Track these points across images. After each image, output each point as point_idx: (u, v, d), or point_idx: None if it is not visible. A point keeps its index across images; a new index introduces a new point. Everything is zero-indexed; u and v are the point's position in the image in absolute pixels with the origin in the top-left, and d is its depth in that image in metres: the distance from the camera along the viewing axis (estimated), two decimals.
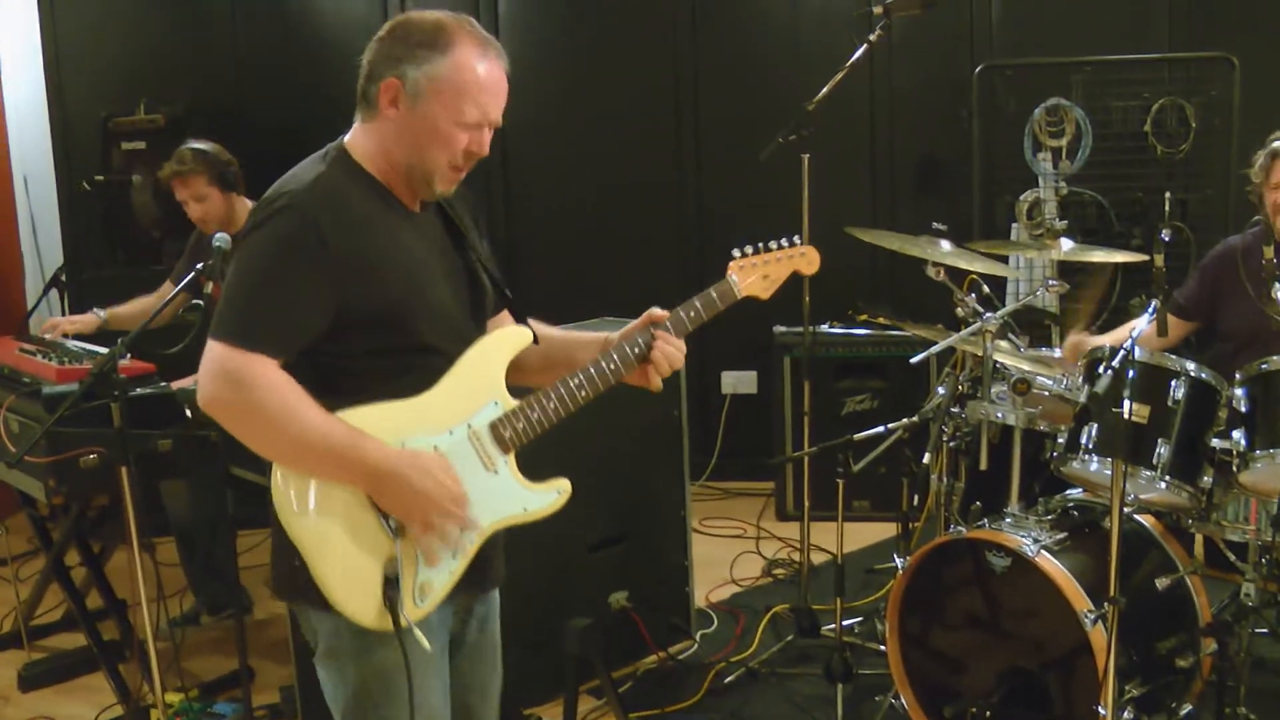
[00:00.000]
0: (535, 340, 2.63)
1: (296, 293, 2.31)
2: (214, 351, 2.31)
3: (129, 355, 4.06)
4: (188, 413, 4.22)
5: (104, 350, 4.26)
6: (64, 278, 5.85)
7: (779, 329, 6.28)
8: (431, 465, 2.38)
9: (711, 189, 6.97)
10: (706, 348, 6.83)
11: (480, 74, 2.43)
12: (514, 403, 2.52)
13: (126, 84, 6.81)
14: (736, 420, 6.98)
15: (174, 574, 5.06)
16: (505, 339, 2.58)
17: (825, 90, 4.82)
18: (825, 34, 6.58)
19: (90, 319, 5.03)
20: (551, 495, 2.60)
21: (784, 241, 2.84)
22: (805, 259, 2.88)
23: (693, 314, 2.70)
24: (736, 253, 2.78)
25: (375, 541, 2.37)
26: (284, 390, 2.30)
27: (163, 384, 4.29)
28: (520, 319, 2.67)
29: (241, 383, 2.28)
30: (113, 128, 6.67)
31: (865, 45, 4.94)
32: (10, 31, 7.01)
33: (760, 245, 2.80)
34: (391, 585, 2.35)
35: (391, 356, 2.41)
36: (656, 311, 2.69)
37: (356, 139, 2.49)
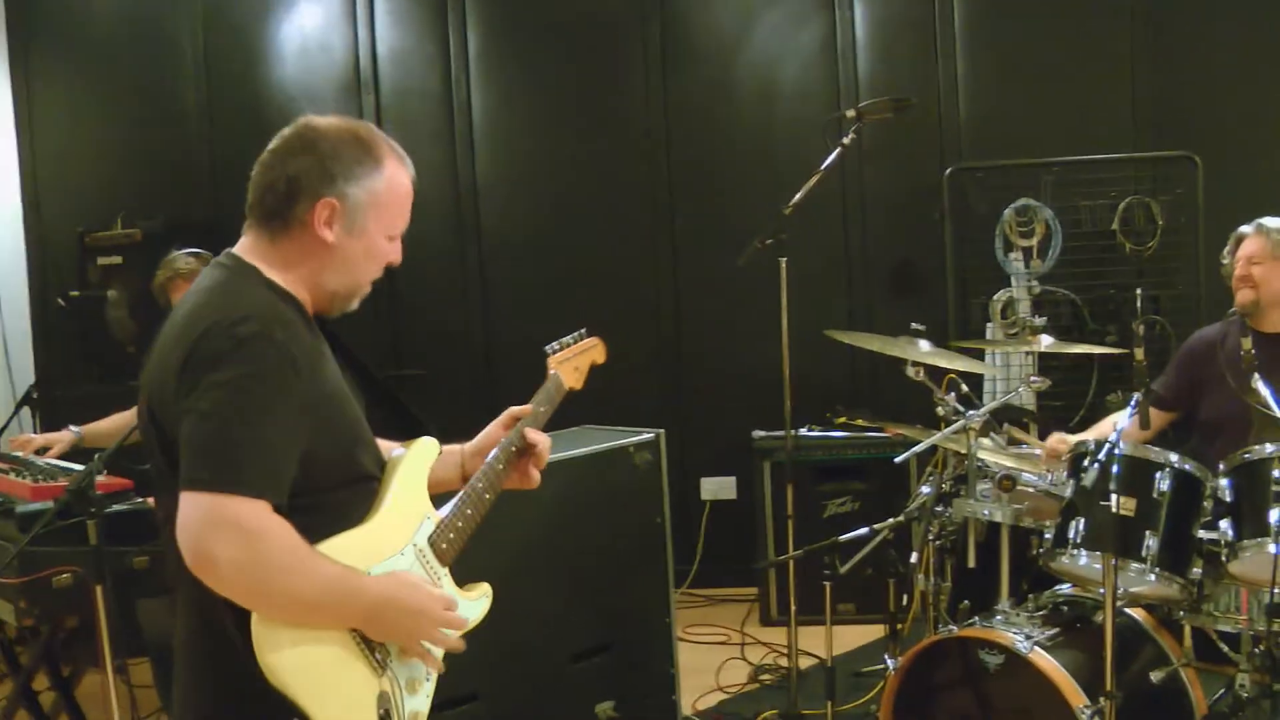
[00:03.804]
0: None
1: (281, 429, 2.15)
2: (201, 504, 2.08)
3: (105, 471, 4.02)
4: None
5: (78, 467, 4.21)
6: (35, 395, 5.80)
7: (758, 434, 6.26)
8: (412, 579, 2.34)
9: (688, 294, 7.00)
10: (685, 454, 6.81)
11: (407, 184, 2.42)
12: (440, 516, 2.51)
13: (103, 199, 6.84)
14: (717, 526, 6.93)
15: (148, 695, 4.94)
16: (422, 454, 2.55)
17: (800, 194, 4.87)
18: (798, 138, 6.65)
19: (66, 436, 4.95)
20: (483, 601, 2.59)
21: (579, 334, 3.00)
22: (597, 350, 3.05)
23: (543, 409, 2.79)
24: (548, 349, 2.91)
25: (365, 682, 2.28)
26: (289, 534, 2.13)
27: (139, 499, 4.23)
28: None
29: (245, 532, 2.07)
30: (89, 243, 6.67)
31: (839, 149, 4.99)
32: None
33: (561, 341, 2.95)
34: None
35: (345, 487, 2.34)
36: (518, 410, 2.74)
37: (264, 255, 2.33)
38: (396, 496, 2.42)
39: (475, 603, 2.56)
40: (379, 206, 2.35)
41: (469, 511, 2.54)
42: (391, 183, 2.37)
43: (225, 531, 2.06)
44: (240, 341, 2.13)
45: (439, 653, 2.39)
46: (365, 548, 2.30)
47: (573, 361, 2.96)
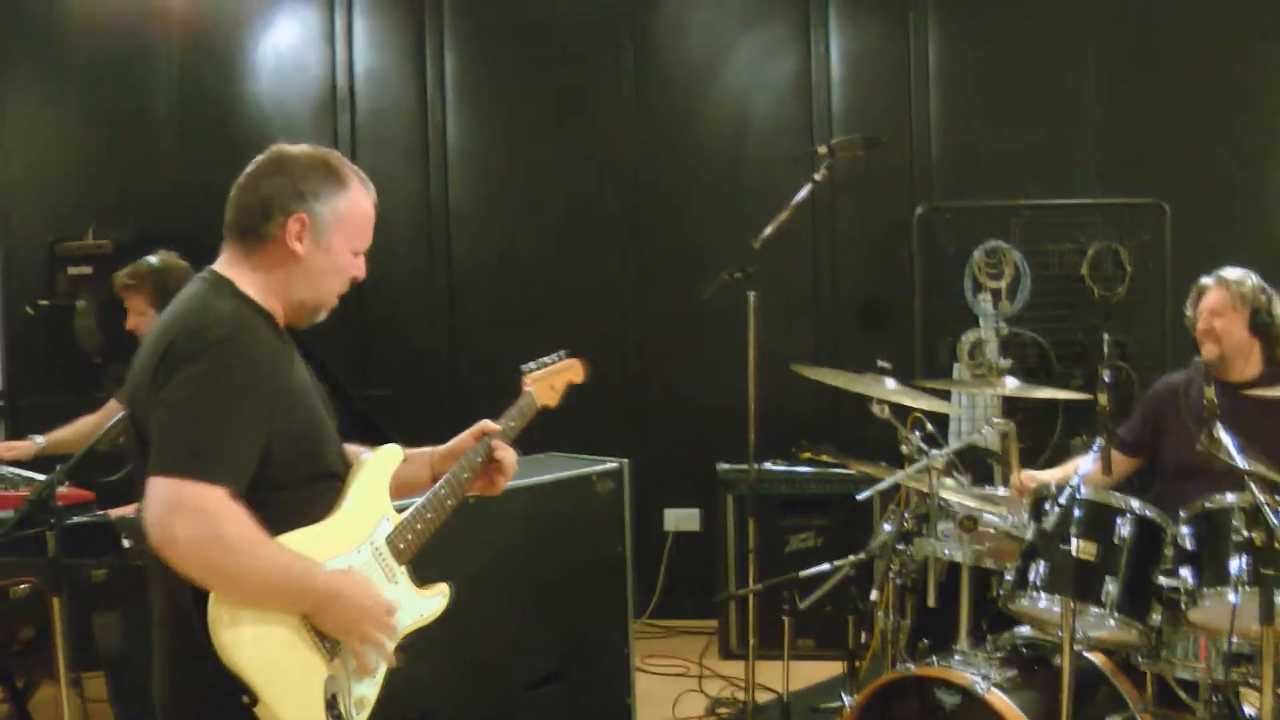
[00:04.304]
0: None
1: (242, 423, 2.34)
2: (165, 488, 2.26)
3: (67, 482, 3.98)
4: (125, 542, 4.13)
5: (41, 477, 4.18)
6: (1, 403, 5.76)
7: (722, 466, 6.26)
8: (363, 581, 2.50)
9: (656, 324, 7.01)
10: (649, 485, 6.80)
11: (369, 205, 2.63)
12: (401, 517, 2.67)
13: (75, 209, 6.79)
14: (679, 558, 6.93)
15: (102, 709, 4.90)
16: (386, 459, 2.71)
17: (771, 228, 4.89)
18: (768, 173, 6.67)
19: (28, 445, 4.92)
20: (438, 600, 2.75)
21: (558, 355, 3.17)
22: (574, 370, 3.18)
23: (513, 424, 2.96)
24: (524, 367, 3.09)
25: (314, 666, 2.42)
26: (245, 520, 2.29)
27: (100, 512, 4.20)
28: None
29: (209, 516, 2.25)
30: (60, 252, 6.62)
31: (810, 185, 5.02)
32: None
33: (540, 361, 3.12)
34: (334, 704, 2.42)
35: (306, 485, 2.51)
36: (490, 424, 2.91)
37: (239, 270, 2.53)
38: (357, 497, 2.59)
39: (432, 600, 2.73)
40: (344, 223, 2.56)
41: (429, 515, 2.70)
42: (355, 203, 2.59)
43: (186, 513, 2.24)
44: (208, 344, 2.34)
45: (374, 660, 2.53)
46: (323, 543, 2.47)
47: (548, 380, 3.10)
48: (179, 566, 2.27)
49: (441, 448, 2.91)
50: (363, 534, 2.57)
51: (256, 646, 2.31)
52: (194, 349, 2.34)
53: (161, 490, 2.26)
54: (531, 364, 3.10)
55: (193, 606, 2.30)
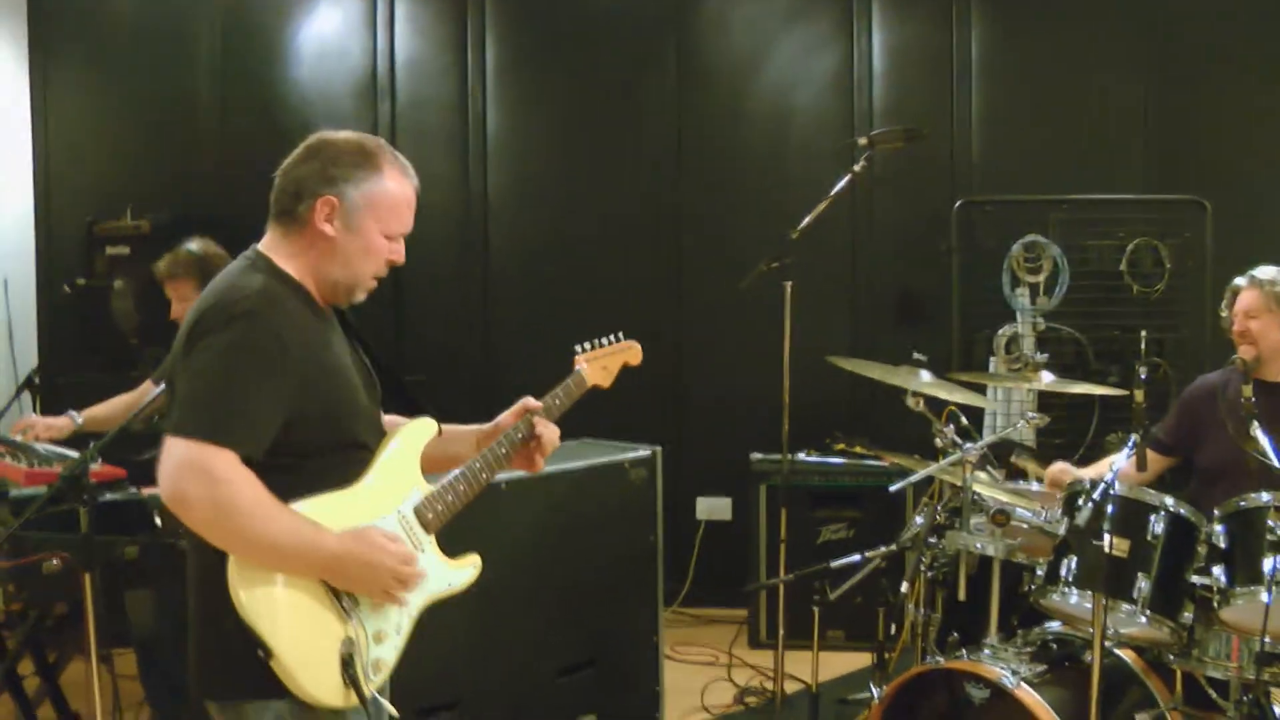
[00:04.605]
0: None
1: (260, 392, 2.43)
2: (180, 447, 2.37)
3: (100, 460, 4.01)
4: (157, 520, 4.16)
5: (76, 454, 4.21)
6: (37, 380, 5.80)
7: (756, 456, 6.25)
8: (374, 536, 2.54)
9: (693, 314, 7.00)
10: (682, 473, 6.80)
11: (405, 190, 2.66)
12: (431, 488, 2.72)
13: (114, 189, 6.84)
14: (710, 547, 6.92)
15: (131, 686, 4.93)
16: (418, 431, 2.77)
17: (809, 219, 4.88)
18: (810, 167, 6.65)
19: (65, 422, 4.95)
20: (469, 571, 2.79)
21: (614, 337, 3.20)
22: (631, 351, 3.23)
23: (558, 402, 2.99)
24: (578, 347, 3.12)
25: (329, 626, 2.48)
26: (253, 484, 2.39)
27: (133, 490, 4.23)
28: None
29: (213, 477, 2.35)
30: (98, 232, 6.67)
31: (849, 176, 5.00)
32: (2, 135, 7.04)
33: (596, 341, 3.15)
34: (349, 663, 2.46)
35: (331, 454, 2.57)
36: (532, 401, 2.94)
37: (278, 248, 2.63)
38: (386, 466, 2.66)
39: (461, 570, 2.77)
40: (375, 207, 2.61)
41: (461, 487, 2.76)
42: (388, 187, 2.63)
43: (196, 474, 2.36)
44: (233, 316, 2.44)
45: (409, 599, 2.61)
46: (348, 509, 2.54)
47: (601, 361, 3.14)
48: (191, 525, 2.40)
49: (486, 426, 2.95)
50: (390, 503, 2.64)
51: (273, 605, 2.41)
52: (220, 320, 2.44)
53: (175, 450, 2.37)
54: (585, 344, 3.13)
55: (218, 565, 2.39)
